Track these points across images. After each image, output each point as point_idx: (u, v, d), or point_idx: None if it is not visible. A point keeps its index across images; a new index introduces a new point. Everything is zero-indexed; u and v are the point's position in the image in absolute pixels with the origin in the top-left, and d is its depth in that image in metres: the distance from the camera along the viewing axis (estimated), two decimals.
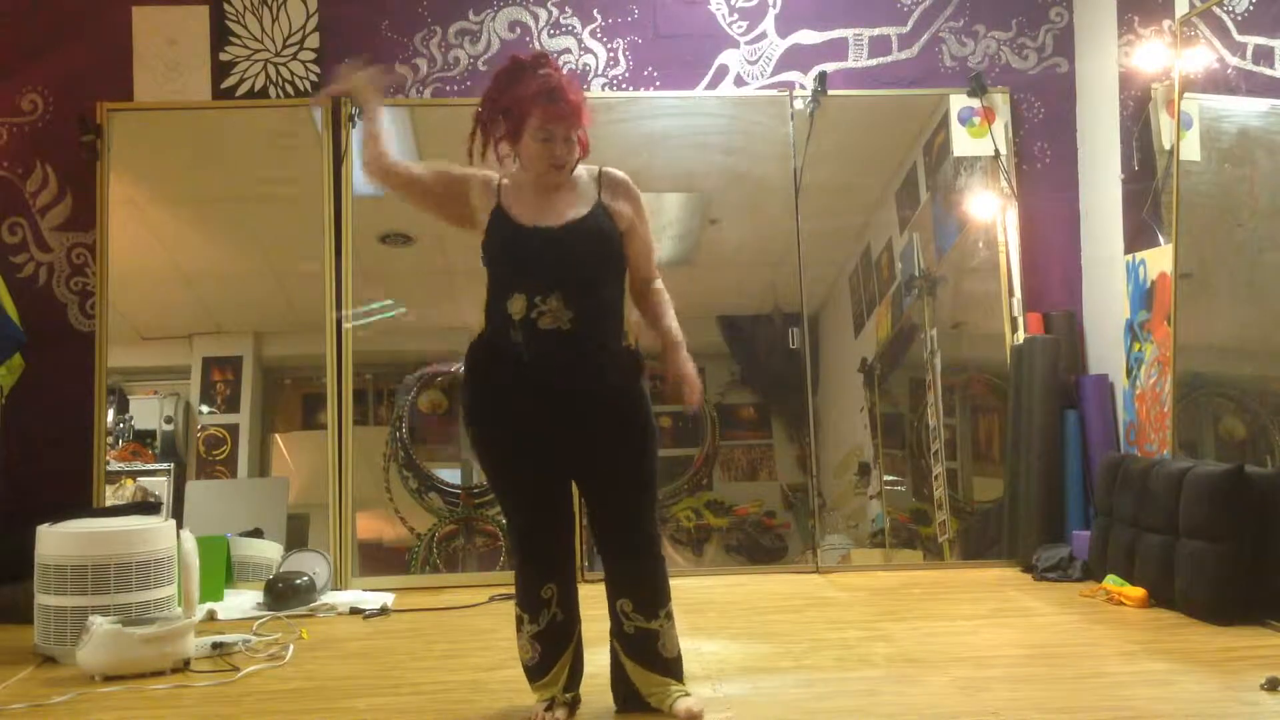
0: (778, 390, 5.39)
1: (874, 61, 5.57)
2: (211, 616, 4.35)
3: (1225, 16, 4.42)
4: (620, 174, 3.11)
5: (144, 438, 5.21)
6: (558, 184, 3.02)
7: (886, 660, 3.60)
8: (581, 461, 3.04)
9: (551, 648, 3.05)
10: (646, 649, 3.06)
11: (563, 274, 2.92)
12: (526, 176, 3.04)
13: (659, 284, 3.15)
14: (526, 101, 2.92)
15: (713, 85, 5.52)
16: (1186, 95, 4.64)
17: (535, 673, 3.08)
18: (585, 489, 3.12)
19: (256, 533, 4.99)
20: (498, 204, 3.02)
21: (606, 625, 3.12)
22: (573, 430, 2.99)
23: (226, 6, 5.39)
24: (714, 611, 4.39)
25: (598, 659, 3.23)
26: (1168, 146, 4.80)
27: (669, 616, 3.08)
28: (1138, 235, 5.07)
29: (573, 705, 3.09)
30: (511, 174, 3.07)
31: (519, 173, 3.06)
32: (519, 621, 3.08)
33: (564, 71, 3.04)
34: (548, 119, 2.92)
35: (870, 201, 5.54)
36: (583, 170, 3.07)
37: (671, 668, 3.09)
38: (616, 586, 3.09)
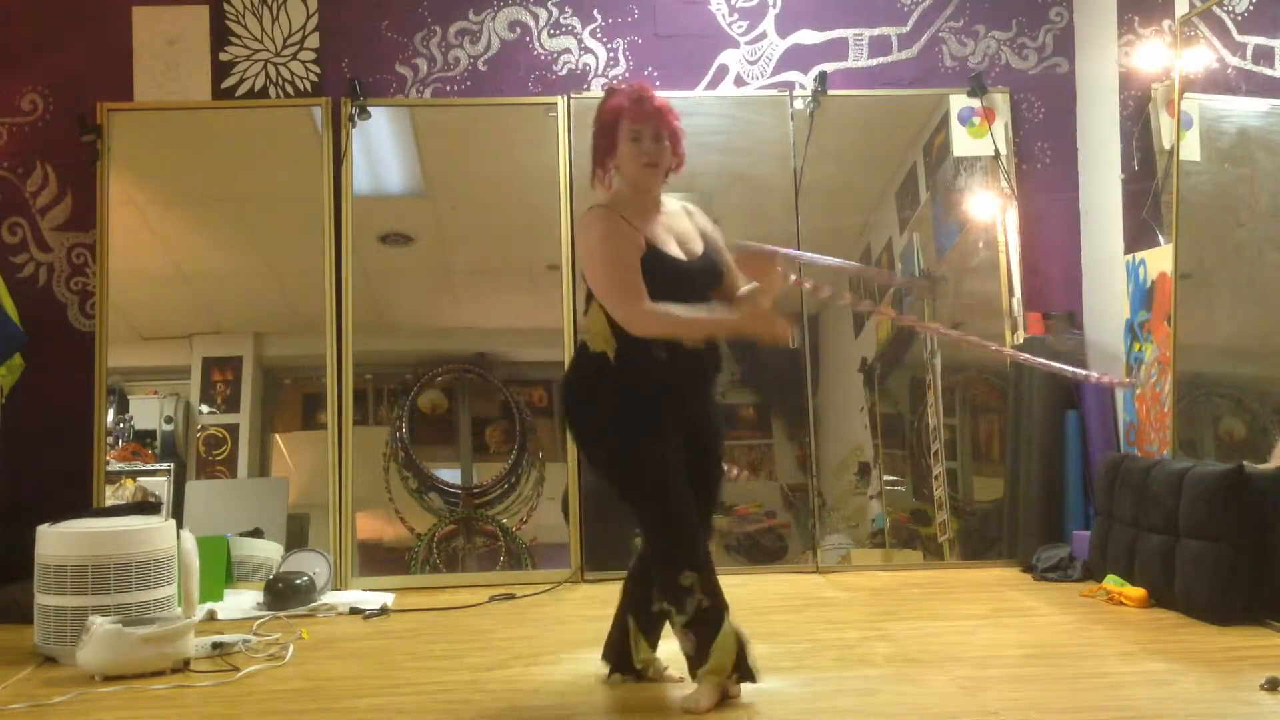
0: (778, 390, 5.39)
1: (874, 61, 5.57)
2: (211, 616, 4.35)
3: (1225, 16, 4.42)
4: (694, 207, 3.39)
5: (144, 438, 5.21)
6: (652, 190, 3.21)
7: (886, 660, 3.60)
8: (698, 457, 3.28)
9: (706, 634, 3.10)
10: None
11: (700, 298, 3.18)
12: (633, 197, 3.20)
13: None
14: (615, 110, 3.20)
15: (713, 85, 5.52)
16: (1186, 95, 4.64)
17: (694, 661, 3.14)
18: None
19: (256, 533, 4.99)
20: (644, 239, 3.14)
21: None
22: (702, 429, 3.28)
23: (226, 6, 5.39)
24: None
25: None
26: (1168, 146, 4.80)
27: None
28: (1138, 235, 5.07)
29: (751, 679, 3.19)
30: (624, 202, 3.20)
31: (629, 197, 3.20)
32: (668, 615, 3.18)
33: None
34: (635, 119, 3.17)
35: (870, 201, 5.53)
36: (677, 203, 3.32)
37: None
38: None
